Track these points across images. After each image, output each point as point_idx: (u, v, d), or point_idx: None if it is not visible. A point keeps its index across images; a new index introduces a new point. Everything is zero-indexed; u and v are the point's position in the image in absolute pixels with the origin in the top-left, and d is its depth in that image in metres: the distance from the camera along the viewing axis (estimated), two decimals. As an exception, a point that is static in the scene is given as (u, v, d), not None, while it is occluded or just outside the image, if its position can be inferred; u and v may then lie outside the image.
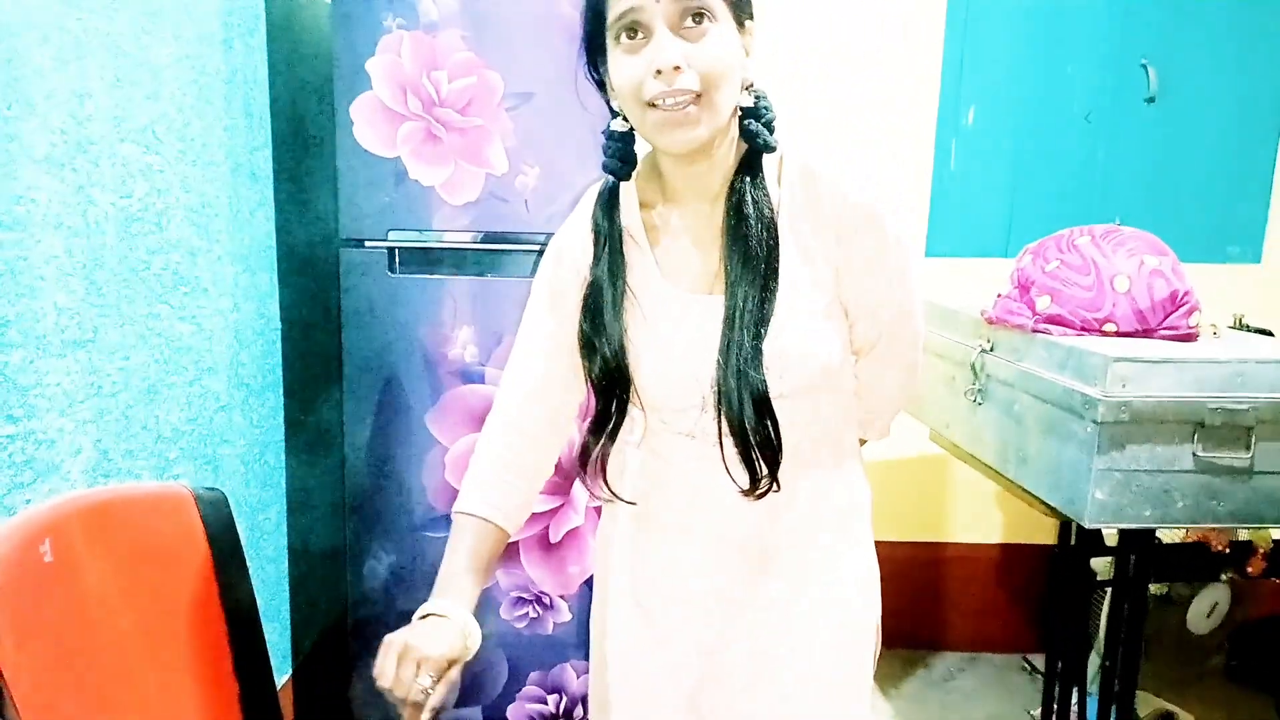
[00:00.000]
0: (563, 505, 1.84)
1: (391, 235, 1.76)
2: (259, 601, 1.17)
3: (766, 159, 0.98)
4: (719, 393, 0.95)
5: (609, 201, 1.02)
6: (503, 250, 1.77)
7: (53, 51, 1.18)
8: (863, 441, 1.18)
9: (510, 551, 1.85)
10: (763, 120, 0.96)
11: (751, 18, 0.95)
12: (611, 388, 1.01)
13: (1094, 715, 1.76)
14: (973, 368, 1.75)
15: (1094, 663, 2.11)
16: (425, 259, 1.77)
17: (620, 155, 0.99)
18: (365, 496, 1.84)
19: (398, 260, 1.77)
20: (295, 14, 1.95)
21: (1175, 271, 1.52)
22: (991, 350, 1.71)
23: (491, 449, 1.06)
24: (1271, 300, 2.41)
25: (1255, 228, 2.47)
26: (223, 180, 1.63)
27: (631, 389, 1.02)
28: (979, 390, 1.74)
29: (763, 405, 0.95)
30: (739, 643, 1.06)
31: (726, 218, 0.97)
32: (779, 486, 0.98)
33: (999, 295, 1.74)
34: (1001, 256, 2.42)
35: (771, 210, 0.96)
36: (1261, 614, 2.44)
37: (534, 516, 1.84)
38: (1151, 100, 2.39)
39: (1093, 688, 2.01)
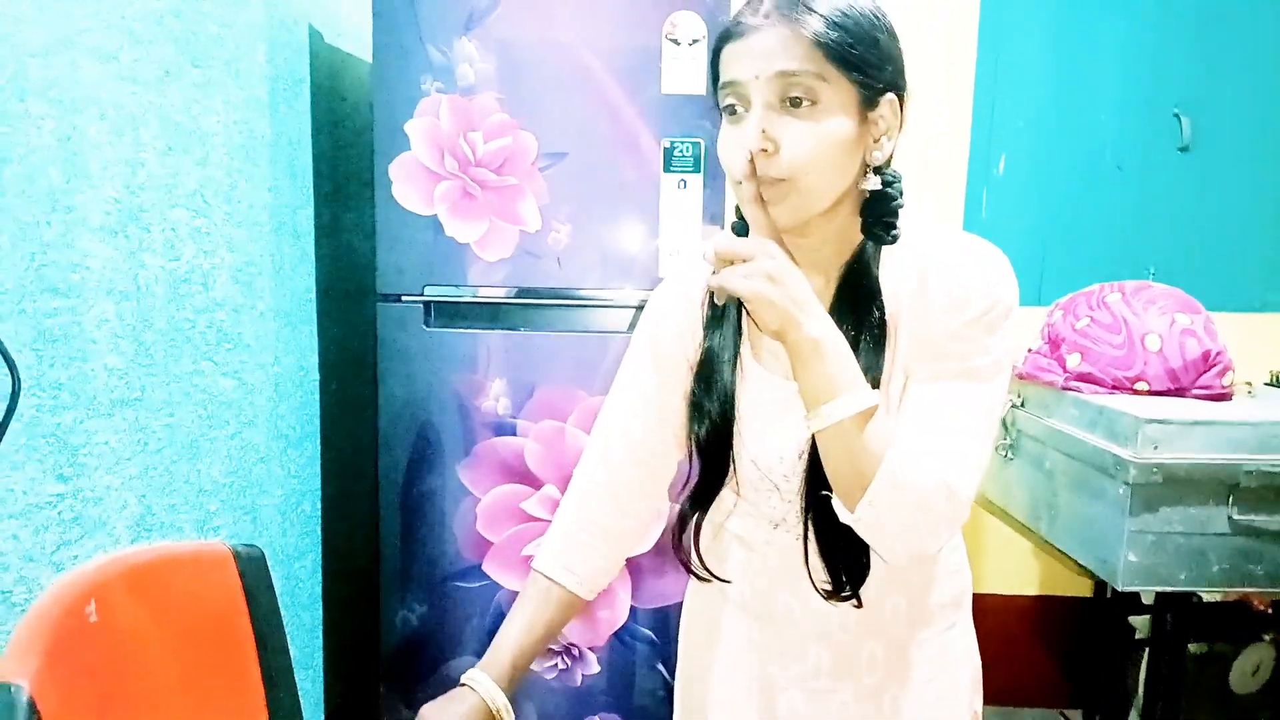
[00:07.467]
0: (593, 556, 1.85)
1: (427, 290, 1.80)
2: (293, 650, 1.20)
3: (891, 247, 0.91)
4: (806, 485, 0.91)
5: None
6: (535, 305, 1.81)
7: (109, 125, 1.24)
8: None
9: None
10: (884, 210, 0.89)
11: (895, 89, 0.86)
12: (715, 453, 0.97)
13: (1133, 778, 1.72)
14: (1003, 422, 1.74)
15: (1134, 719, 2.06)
16: (460, 313, 1.81)
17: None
18: (398, 546, 1.87)
19: (433, 314, 1.81)
20: (338, 77, 2.02)
21: (1207, 330, 1.51)
22: (1022, 405, 1.71)
23: (576, 509, 1.03)
24: (1313, 349, 2.38)
25: (1293, 275, 2.44)
26: (266, 239, 1.68)
27: (731, 458, 0.97)
28: (1009, 445, 1.73)
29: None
30: None
31: (834, 304, 0.90)
32: (860, 602, 0.93)
33: (1029, 350, 1.74)
34: (1035, 305, 2.42)
35: (884, 305, 0.89)
36: (1309, 673, 2.37)
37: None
38: (1185, 149, 2.39)
39: (1132, 748, 1.97)
